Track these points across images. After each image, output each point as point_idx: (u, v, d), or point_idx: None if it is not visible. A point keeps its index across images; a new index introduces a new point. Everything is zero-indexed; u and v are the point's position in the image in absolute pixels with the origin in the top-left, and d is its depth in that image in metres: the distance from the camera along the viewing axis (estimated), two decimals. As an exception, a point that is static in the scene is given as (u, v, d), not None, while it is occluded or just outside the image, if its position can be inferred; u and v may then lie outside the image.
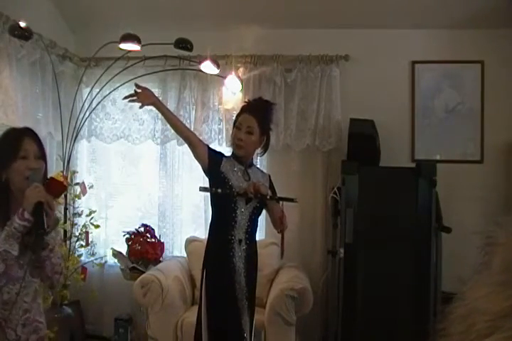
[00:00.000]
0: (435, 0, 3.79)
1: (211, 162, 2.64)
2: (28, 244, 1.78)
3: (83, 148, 4.32)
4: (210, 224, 2.70)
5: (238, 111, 2.81)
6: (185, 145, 4.07)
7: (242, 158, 2.70)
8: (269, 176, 2.90)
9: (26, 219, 1.73)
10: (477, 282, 0.48)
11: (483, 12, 3.76)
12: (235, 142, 2.67)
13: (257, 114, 2.66)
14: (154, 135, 4.17)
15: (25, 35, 3.08)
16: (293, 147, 4.01)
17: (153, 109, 4.13)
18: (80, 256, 3.93)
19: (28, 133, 1.91)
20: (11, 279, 1.80)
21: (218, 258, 2.59)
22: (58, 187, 1.94)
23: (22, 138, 1.86)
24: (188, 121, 4.10)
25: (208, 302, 2.53)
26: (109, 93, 3.98)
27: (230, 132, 2.88)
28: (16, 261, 1.77)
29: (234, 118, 2.87)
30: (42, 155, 1.89)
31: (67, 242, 3.81)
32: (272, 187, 2.81)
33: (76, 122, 3.90)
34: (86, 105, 3.99)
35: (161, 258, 3.94)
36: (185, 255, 3.98)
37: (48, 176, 1.95)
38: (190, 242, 3.94)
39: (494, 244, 0.50)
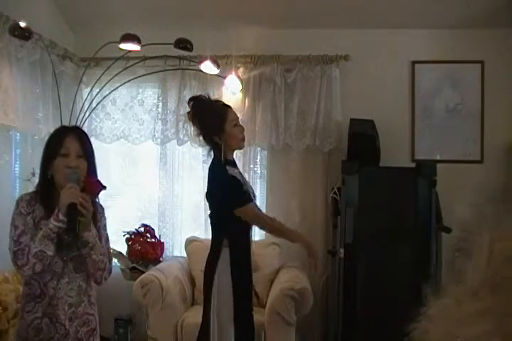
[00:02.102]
0: (435, 0, 3.79)
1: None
2: (65, 243, 1.83)
3: (83, 148, 4.31)
4: (230, 230, 2.63)
5: (219, 111, 2.64)
6: (185, 145, 4.13)
7: (232, 156, 2.70)
8: None
9: (61, 220, 1.77)
10: (448, 299, 0.39)
11: (483, 12, 3.76)
12: (241, 137, 2.65)
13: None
14: (154, 135, 4.17)
15: (25, 35, 3.08)
16: (293, 147, 4.01)
17: (153, 108, 4.18)
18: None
19: (74, 131, 1.98)
20: (55, 275, 1.86)
21: (244, 260, 2.62)
22: (94, 187, 1.97)
23: (65, 136, 1.91)
24: (188, 121, 4.11)
25: (237, 301, 2.55)
26: (109, 93, 3.97)
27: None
28: (59, 257, 1.83)
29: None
30: (85, 154, 1.92)
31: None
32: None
33: (76, 122, 3.89)
34: (86, 105, 3.98)
35: (161, 258, 3.94)
36: (185, 255, 3.98)
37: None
38: (190, 242, 3.94)
39: (472, 243, 0.40)
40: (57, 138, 1.93)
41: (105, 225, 2.09)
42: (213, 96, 4.05)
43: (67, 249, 1.85)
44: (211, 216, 2.72)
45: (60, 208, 1.77)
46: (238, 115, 4.08)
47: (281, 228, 2.67)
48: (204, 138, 2.63)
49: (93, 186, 1.96)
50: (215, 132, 2.58)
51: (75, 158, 1.88)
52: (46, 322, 1.86)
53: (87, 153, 1.94)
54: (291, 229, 2.80)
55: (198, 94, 2.79)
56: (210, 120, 2.59)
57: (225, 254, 2.55)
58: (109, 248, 2.04)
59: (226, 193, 2.55)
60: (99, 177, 2.06)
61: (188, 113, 2.67)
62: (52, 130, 3.78)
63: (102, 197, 4.41)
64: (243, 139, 2.67)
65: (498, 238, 0.38)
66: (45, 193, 1.90)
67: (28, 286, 1.88)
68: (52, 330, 1.87)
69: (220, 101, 2.79)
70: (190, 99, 2.70)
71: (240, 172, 2.73)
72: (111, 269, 2.01)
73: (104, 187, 2.02)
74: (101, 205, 2.09)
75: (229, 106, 2.71)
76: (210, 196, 2.68)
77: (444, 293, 0.39)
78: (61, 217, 1.77)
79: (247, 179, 2.72)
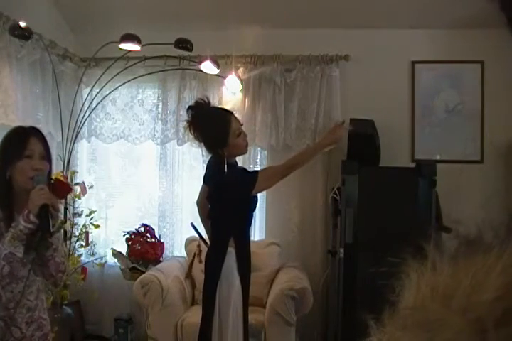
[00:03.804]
0: (435, 0, 3.79)
1: None
2: (33, 245, 1.79)
3: (83, 148, 4.32)
4: (236, 229, 2.63)
5: (223, 118, 2.56)
6: (186, 145, 4.13)
7: (235, 159, 2.70)
8: None
9: (32, 221, 1.73)
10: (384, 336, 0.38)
11: (483, 12, 3.74)
12: (246, 144, 2.63)
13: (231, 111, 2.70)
14: (154, 135, 4.17)
15: (25, 35, 3.08)
16: (293, 147, 4.01)
17: (153, 108, 4.18)
18: (79, 256, 3.93)
19: (35, 132, 1.91)
20: (15, 278, 1.80)
21: (247, 261, 2.63)
22: (63, 189, 1.95)
23: (28, 137, 1.85)
24: (188, 121, 4.10)
25: (245, 304, 2.58)
26: (109, 93, 3.98)
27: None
28: (20, 260, 1.78)
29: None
30: (47, 156, 1.88)
31: (67, 242, 3.81)
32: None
33: (76, 122, 3.89)
34: (86, 105, 3.99)
35: (161, 258, 3.94)
36: (185, 255, 3.98)
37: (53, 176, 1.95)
38: (190, 242, 3.94)
39: (407, 276, 0.40)
40: (20, 138, 1.85)
41: (60, 228, 2.07)
42: (213, 97, 4.09)
43: (37, 251, 1.81)
44: (215, 215, 2.71)
45: (32, 209, 1.73)
46: (238, 115, 4.08)
47: (296, 161, 2.65)
48: (206, 148, 2.59)
49: (63, 188, 1.95)
50: (219, 145, 2.52)
51: (39, 160, 1.83)
52: (1, 325, 1.80)
53: (49, 155, 1.91)
54: (301, 153, 2.78)
55: (197, 98, 2.68)
56: (212, 133, 2.52)
57: (231, 254, 2.55)
58: (65, 250, 2.03)
59: (239, 177, 2.56)
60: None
61: (188, 122, 2.57)
62: (52, 130, 3.84)
63: (103, 197, 4.45)
64: (247, 145, 2.65)
65: (425, 273, 0.40)
66: (3, 194, 1.83)
67: None
68: (7, 334, 1.81)
69: (221, 109, 2.72)
70: (189, 108, 2.61)
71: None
72: (68, 271, 2.00)
73: (71, 189, 2.02)
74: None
75: (231, 113, 2.63)
76: (217, 191, 2.66)
77: (383, 325, 0.40)
78: (32, 218, 1.72)
79: None
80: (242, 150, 2.65)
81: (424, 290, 0.38)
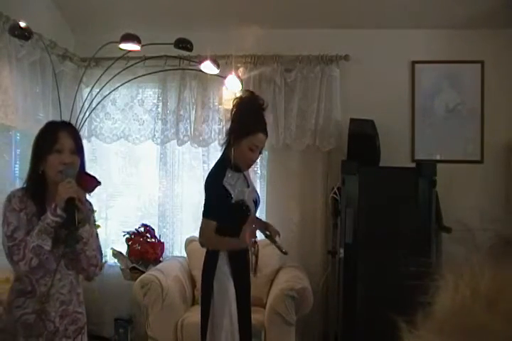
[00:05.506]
0: (435, 0, 3.79)
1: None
2: (61, 238, 1.81)
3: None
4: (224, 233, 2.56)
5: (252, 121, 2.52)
6: (186, 145, 4.13)
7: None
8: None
9: (59, 215, 1.76)
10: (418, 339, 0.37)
11: (483, 12, 3.76)
12: (249, 163, 2.59)
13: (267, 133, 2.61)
14: (154, 135, 4.18)
15: (25, 35, 3.08)
16: (293, 147, 4.01)
17: (153, 108, 4.18)
18: (80, 256, 3.93)
19: (66, 127, 1.97)
20: (48, 272, 1.84)
21: (242, 264, 2.60)
22: (91, 182, 1.96)
23: (58, 131, 1.90)
24: (188, 121, 4.10)
25: (247, 306, 2.57)
26: (109, 93, 3.97)
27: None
28: (52, 253, 1.81)
29: (239, 127, 2.53)
30: (78, 151, 1.92)
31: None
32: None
33: (76, 122, 3.88)
34: (86, 105, 3.98)
35: (161, 258, 3.94)
36: (185, 255, 3.98)
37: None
38: (190, 242, 3.94)
39: (441, 277, 0.40)
40: (50, 133, 1.90)
41: (94, 221, 2.08)
42: (213, 97, 4.10)
43: (64, 244, 1.83)
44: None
45: (58, 202, 1.76)
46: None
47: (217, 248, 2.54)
48: (227, 130, 2.62)
49: (89, 181, 1.96)
50: (234, 133, 2.53)
51: (69, 154, 1.87)
52: (35, 318, 1.83)
53: (80, 150, 1.94)
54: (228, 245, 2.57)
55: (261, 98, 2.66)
56: (241, 121, 2.54)
57: (222, 258, 2.53)
58: (99, 244, 2.03)
59: (208, 199, 2.53)
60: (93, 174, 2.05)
61: (239, 98, 2.61)
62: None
63: (103, 197, 4.45)
64: (250, 165, 2.62)
65: (464, 275, 0.38)
66: (36, 189, 1.88)
67: (18, 282, 1.87)
68: (41, 327, 1.85)
69: (263, 122, 2.61)
70: (251, 92, 2.66)
71: (240, 177, 2.58)
72: (102, 265, 2.01)
73: (99, 183, 2.01)
74: (89, 201, 2.05)
75: (263, 131, 2.56)
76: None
77: (416, 328, 0.38)
78: (59, 211, 1.76)
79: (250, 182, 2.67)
80: (243, 162, 2.55)
81: (464, 292, 0.36)
